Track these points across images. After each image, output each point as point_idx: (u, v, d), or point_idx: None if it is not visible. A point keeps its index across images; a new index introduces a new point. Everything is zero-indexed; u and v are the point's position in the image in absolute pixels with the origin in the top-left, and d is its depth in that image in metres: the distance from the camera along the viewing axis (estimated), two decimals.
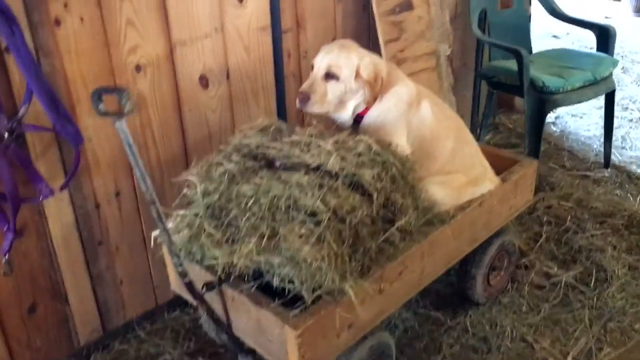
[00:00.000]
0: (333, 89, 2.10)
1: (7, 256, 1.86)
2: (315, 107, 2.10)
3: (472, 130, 3.87)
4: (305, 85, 2.11)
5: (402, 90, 2.14)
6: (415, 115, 2.14)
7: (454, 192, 2.15)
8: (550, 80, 3.13)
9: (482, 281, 2.43)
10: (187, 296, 1.92)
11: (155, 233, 1.95)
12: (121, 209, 2.27)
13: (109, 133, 2.14)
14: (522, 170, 2.39)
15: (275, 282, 1.76)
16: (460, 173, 2.20)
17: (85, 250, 2.22)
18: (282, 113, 2.69)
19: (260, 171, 1.91)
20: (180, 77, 2.28)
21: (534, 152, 3.26)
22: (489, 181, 2.27)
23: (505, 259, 2.54)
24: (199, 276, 1.92)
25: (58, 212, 2.10)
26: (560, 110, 4.37)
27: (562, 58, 3.49)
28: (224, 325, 1.94)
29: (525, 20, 3.64)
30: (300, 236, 1.69)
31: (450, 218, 2.10)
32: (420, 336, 2.38)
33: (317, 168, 1.87)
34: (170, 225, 1.94)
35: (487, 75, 3.47)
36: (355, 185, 1.82)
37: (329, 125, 2.21)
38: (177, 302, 2.52)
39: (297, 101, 2.10)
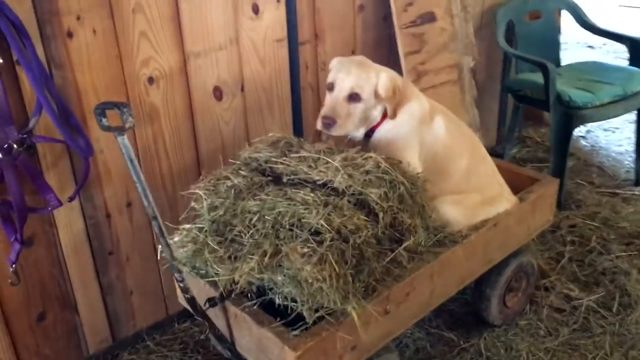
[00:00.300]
0: (356, 110, 2.03)
1: (14, 266, 1.88)
2: (339, 131, 2.02)
3: (498, 144, 3.79)
4: (327, 110, 2.02)
5: (415, 106, 2.09)
6: (428, 131, 2.09)
7: (467, 211, 2.09)
8: (577, 95, 3.03)
9: (497, 302, 2.36)
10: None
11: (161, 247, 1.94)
12: (132, 220, 2.27)
13: None
14: (541, 190, 2.31)
15: (278, 300, 1.74)
16: (475, 192, 2.13)
17: (95, 260, 2.23)
18: (298, 125, 2.67)
19: (267, 187, 1.89)
20: (194, 88, 2.27)
21: (559, 169, 3.17)
22: (506, 200, 2.20)
23: (523, 280, 2.46)
24: (203, 291, 1.91)
25: (68, 222, 2.12)
26: (592, 124, 4.25)
27: (591, 72, 3.38)
28: (227, 342, 1.92)
29: (554, 32, 3.55)
30: (303, 255, 1.65)
31: (463, 238, 2.03)
32: (432, 357, 2.32)
33: (324, 185, 1.84)
34: (176, 239, 1.94)
35: (512, 88, 3.39)
36: (362, 204, 1.78)
37: (342, 139, 2.17)
38: (188, 313, 2.48)
39: (320, 125, 2.02)
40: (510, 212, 2.19)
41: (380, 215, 1.75)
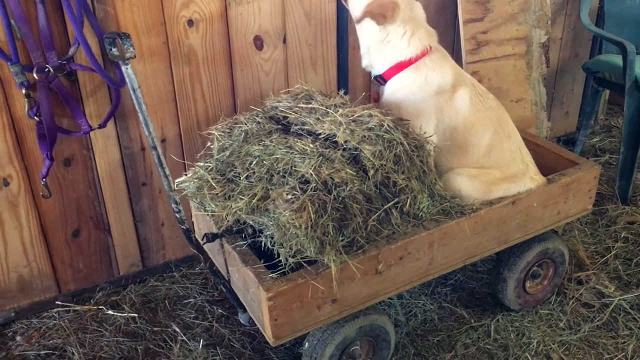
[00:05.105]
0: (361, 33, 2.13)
1: (44, 180, 2.06)
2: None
3: (579, 130, 3.51)
4: None
5: (434, 74, 2.00)
6: (447, 102, 2.01)
7: (482, 186, 2.00)
8: None
9: (515, 286, 2.25)
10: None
11: (178, 180, 2.04)
12: (166, 155, 2.39)
13: (158, 81, 2.26)
14: (576, 174, 2.16)
15: (267, 242, 1.78)
16: (495, 169, 2.04)
17: (129, 188, 2.39)
18: (343, 84, 2.66)
19: (274, 134, 1.93)
20: (234, 35, 2.33)
21: (629, 161, 2.92)
22: (530, 180, 2.07)
23: (550, 267, 2.33)
24: (208, 226, 2.00)
25: (105, 149, 2.28)
26: None
27: None
28: (222, 278, 2.01)
29: None
30: (286, 201, 1.69)
31: (472, 211, 1.96)
32: (438, 330, 2.28)
33: (327, 138, 1.85)
34: (189, 175, 2.03)
35: (591, 69, 3.14)
36: (355, 160, 1.78)
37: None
38: None
39: None
40: (534, 192, 2.07)
41: (371, 172, 1.74)
